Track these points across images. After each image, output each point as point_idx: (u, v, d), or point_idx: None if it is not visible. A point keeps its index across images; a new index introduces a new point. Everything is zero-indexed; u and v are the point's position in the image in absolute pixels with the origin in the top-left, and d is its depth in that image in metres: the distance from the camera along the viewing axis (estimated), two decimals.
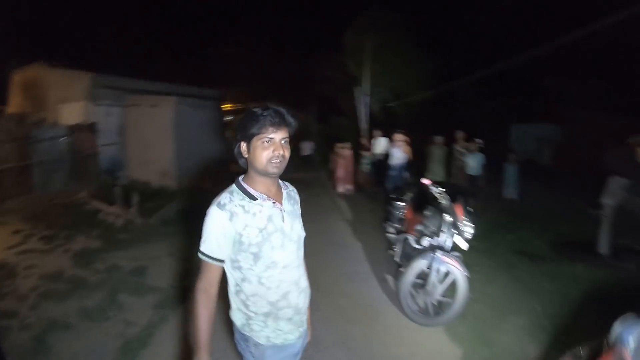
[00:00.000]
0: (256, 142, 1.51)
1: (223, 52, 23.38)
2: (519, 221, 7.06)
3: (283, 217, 1.58)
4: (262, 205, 1.54)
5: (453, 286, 3.45)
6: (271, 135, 1.50)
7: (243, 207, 1.52)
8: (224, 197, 1.55)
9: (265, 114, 1.49)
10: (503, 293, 4.19)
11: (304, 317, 1.70)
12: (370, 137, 11.35)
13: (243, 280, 1.57)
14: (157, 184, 9.50)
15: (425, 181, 4.21)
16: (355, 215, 7.71)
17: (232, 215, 1.50)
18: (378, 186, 9.75)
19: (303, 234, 1.68)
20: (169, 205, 7.57)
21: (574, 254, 5.46)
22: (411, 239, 3.97)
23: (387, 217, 5.25)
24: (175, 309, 3.71)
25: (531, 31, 14.87)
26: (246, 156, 1.56)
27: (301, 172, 13.53)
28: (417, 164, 9.36)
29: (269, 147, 1.50)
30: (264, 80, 22.39)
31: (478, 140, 8.65)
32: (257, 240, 1.51)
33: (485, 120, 16.30)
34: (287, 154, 1.54)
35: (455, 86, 14.83)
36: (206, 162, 10.27)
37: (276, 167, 1.52)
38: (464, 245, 3.56)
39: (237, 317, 1.63)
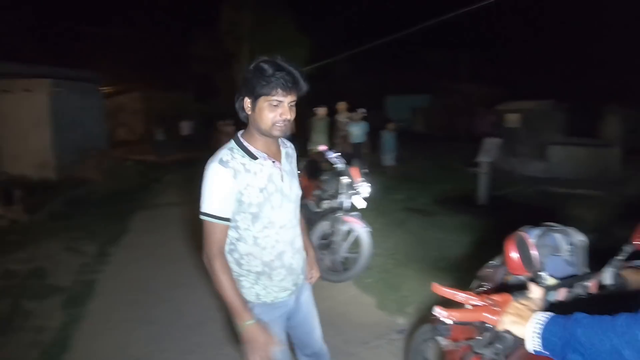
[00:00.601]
0: (263, 102, 1.43)
1: (96, 31, 21.35)
2: (404, 183, 7.86)
3: (282, 177, 1.55)
4: (262, 165, 1.50)
5: (357, 242, 3.78)
6: (280, 99, 1.42)
7: (244, 165, 1.48)
8: (224, 153, 1.48)
9: (278, 75, 1.39)
10: (401, 245, 4.73)
11: (298, 277, 1.67)
12: None
13: (238, 239, 1.53)
14: (37, 176, 8.64)
15: (322, 147, 4.41)
16: None
17: (235, 173, 1.45)
18: None
19: (299, 192, 1.66)
20: (54, 199, 7.01)
21: (458, 207, 6.33)
22: (310, 204, 4.24)
23: None
24: (86, 305, 3.53)
25: (405, 8, 16.02)
26: (249, 113, 1.48)
27: (183, 151, 13.27)
28: (301, 137, 9.70)
29: (277, 110, 1.43)
30: (140, 60, 21.17)
31: (361, 110, 9.01)
32: (257, 200, 1.48)
33: (363, 93, 17.48)
34: (293, 116, 1.48)
35: (334, 61, 15.49)
36: (89, 150, 9.61)
37: (280, 130, 1.47)
38: (363, 204, 3.85)
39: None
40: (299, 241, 1.67)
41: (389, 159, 9.47)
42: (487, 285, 1.68)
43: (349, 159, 4.15)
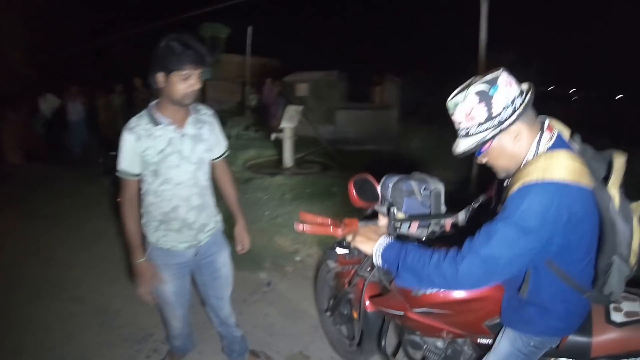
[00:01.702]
0: (174, 77, 1.60)
1: None
2: None
3: (182, 141, 1.75)
4: (164, 130, 1.71)
5: None
6: (191, 72, 1.61)
7: (147, 130, 1.70)
8: (133, 120, 1.72)
9: (188, 52, 1.58)
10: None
11: (199, 233, 1.88)
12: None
13: (146, 192, 1.81)
14: None
15: None
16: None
17: (137, 137, 1.69)
18: (63, 151, 8.57)
19: (207, 155, 1.86)
20: None
21: (269, 170, 6.91)
22: None
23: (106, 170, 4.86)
24: None
25: None
26: (162, 86, 1.65)
27: None
28: (93, 118, 9.08)
29: (187, 82, 1.62)
30: None
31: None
32: (155, 159, 1.71)
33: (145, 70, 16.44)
34: (200, 85, 1.67)
35: (114, 39, 14.20)
36: None
37: (190, 99, 1.68)
38: None
39: (142, 219, 1.85)
40: (196, 199, 1.84)
41: None
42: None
43: None
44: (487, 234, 1.18)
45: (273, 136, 7.19)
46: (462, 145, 1.30)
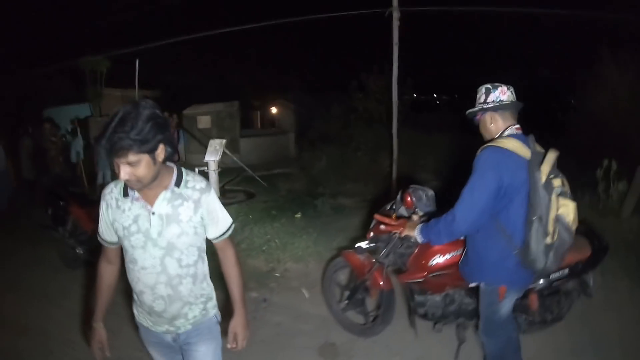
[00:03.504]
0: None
1: None
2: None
3: (150, 220, 1.51)
4: (132, 204, 1.53)
5: None
6: (116, 161, 1.39)
7: (117, 200, 1.56)
8: (109, 186, 1.59)
9: (101, 143, 1.34)
10: None
11: (174, 321, 1.61)
12: None
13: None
14: None
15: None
16: None
17: (107, 205, 1.57)
18: None
19: (183, 240, 1.54)
20: None
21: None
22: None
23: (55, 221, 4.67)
24: None
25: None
26: None
27: None
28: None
29: (120, 172, 1.40)
30: None
31: None
32: (120, 234, 1.56)
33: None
34: (142, 172, 1.40)
35: None
36: None
37: (133, 186, 1.47)
38: None
39: None
40: (163, 289, 1.55)
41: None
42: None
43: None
44: (465, 188, 2.04)
45: (197, 170, 7.40)
46: (470, 111, 2.21)
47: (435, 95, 30.57)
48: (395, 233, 2.60)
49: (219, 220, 1.65)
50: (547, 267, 2.01)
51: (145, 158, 1.39)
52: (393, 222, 2.55)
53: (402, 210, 2.73)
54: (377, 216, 2.65)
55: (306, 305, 3.67)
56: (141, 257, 1.53)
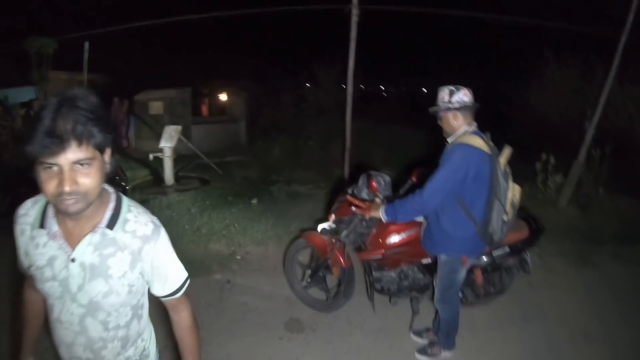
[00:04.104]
0: (39, 167, 0.98)
1: None
2: None
3: (69, 268, 1.11)
4: (47, 239, 1.12)
5: None
6: (51, 161, 0.95)
7: (32, 227, 1.15)
8: (25, 204, 1.18)
9: (44, 124, 0.93)
10: None
11: None
12: None
13: None
14: None
15: None
16: None
17: (21, 231, 1.17)
18: None
19: (111, 301, 1.15)
20: None
21: (154, 190, 7.00)
22: None
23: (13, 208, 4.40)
24: None
25: None
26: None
27: None
28: None
29: (53, 178, 0.97)
30: None
31: None
32: (33, 273, 1.16)
33: None
34: (92, 181, 1.01)
35: None
36: None
37: (71, 206, 1.00)
38: None
39: None
40: (81, 351, 1.19)
41: None
42: (343, 202, 3.12)
43: None
44: (435, 174, 2.35)
45: (151, 156, 7.27)
46: (433, 108, 2.49)
47: (382, 87, 31.67)
48: (356, 215, 2.83)
49: (168, 278, 1.24)
50: (500, 239, 2.47)
51: (98, 158, 1.02)
52: (363, 205, 2.76)
53: (364, 194, 2.94)
54: (349, 197, 2.84)
55: (269, 286, 3.83)
56: (57, 308, 1.16)
